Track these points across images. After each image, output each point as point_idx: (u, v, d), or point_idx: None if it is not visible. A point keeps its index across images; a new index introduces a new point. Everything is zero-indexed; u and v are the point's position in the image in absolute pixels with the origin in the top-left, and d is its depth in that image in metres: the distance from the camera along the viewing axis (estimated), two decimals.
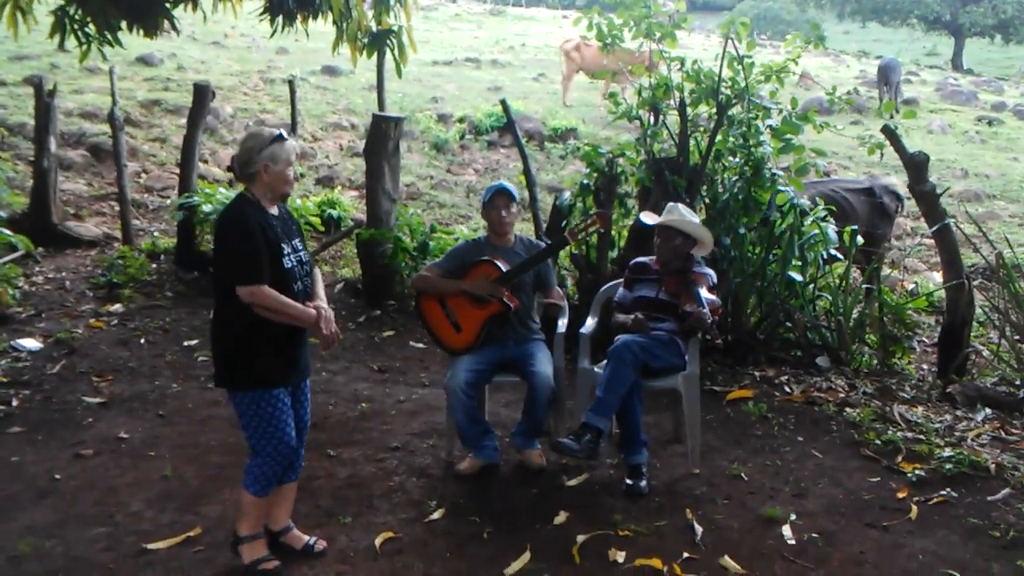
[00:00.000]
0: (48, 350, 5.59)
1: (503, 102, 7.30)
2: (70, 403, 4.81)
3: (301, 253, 3.20)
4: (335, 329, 3.15)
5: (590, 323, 4.42)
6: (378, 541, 3.41)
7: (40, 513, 3.60)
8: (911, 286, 7.66)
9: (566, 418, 4.26)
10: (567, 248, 5.37)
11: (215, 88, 8.44)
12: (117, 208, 8.32)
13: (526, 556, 3.29)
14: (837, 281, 5.70)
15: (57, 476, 3.94)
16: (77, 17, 6.09)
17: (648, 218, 4.44)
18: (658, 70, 5.71)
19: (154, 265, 7.39)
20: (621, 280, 4.47)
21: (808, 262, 5.53)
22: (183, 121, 9.19)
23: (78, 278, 7.05)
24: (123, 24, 6.27)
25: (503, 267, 4.06)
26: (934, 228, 5.21)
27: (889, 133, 5.16)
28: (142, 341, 5.86)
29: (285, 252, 3.09)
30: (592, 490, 3.91)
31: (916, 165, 5.14)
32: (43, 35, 6.53)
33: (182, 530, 3.48)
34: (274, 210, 3.16)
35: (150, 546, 3.35)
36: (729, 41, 5.26)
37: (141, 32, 6.47)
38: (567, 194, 6.06)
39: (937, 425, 4.53)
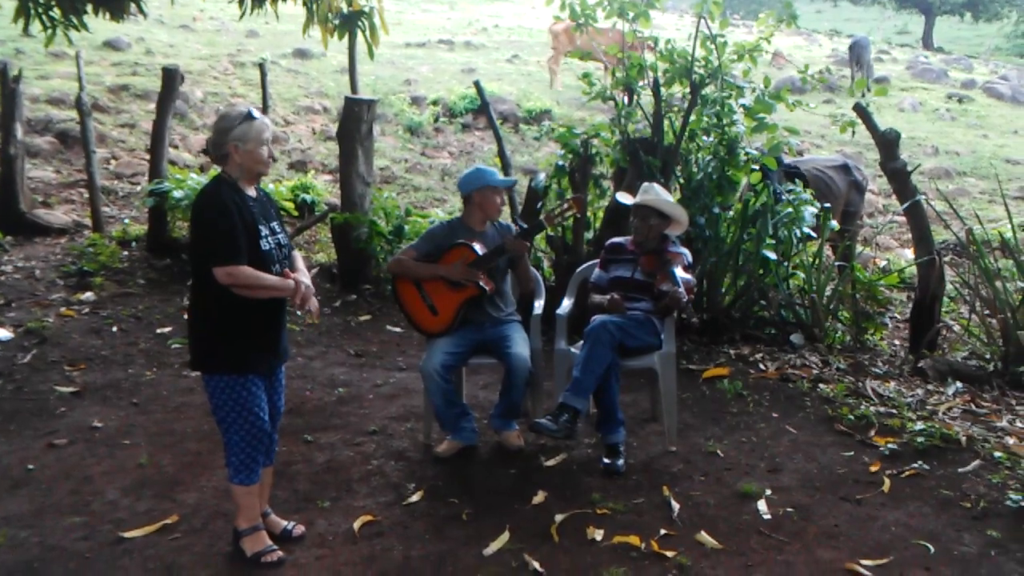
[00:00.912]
0: (19, 340, 5.52)
1: (477, 84, 7.26)
2: (42, 393, 4.76)
3: (279, 236, 3.15)
4: (315, 306, 3.11)
5: (566, 304, 4.43)
6: (357, 525, 3.41)
7: (15, 503, 3.57)
8: (883, 263, 7.74)
9: (543, 399, 4.28)
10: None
11: (184, 72, 8.29)
12: (86, 195, 8.20)
13: (505, 536, 3.30)
14: (810, 259, 5.75)
15: (31, 466, 3.90)
16: (42, 1, 5.97)
17: (624, 198, 4.46)
18: (640, 50, 5.69)
19: (125, 252, 7.31)
20: (597, 261, 4.49)
21: (782, 241, 5.58)
22: (152, 106, 9.05)
23: (48, 267, 6.95)
24: (89, 7, 6.16)
25: (479, 250, 4.05)
26: (905, 205, 5.26)
27: (861, 111, 5.20)
28: (114, 329, 5.80)
29: (263, 234, 3.04)
30: (570, 470, 3.94)
31: (887, 143, 5.18)
32: (7, 20, 6.42)
33: (159, 518, 3.45)
34: (252, 191, 3.10)
35: (127, 534, 3.33)
36: (702, 20, 5.26)
37: (107, 16, 6.35)
38: (542, 176, 6.06)
39: (909, 399, 4.60)
